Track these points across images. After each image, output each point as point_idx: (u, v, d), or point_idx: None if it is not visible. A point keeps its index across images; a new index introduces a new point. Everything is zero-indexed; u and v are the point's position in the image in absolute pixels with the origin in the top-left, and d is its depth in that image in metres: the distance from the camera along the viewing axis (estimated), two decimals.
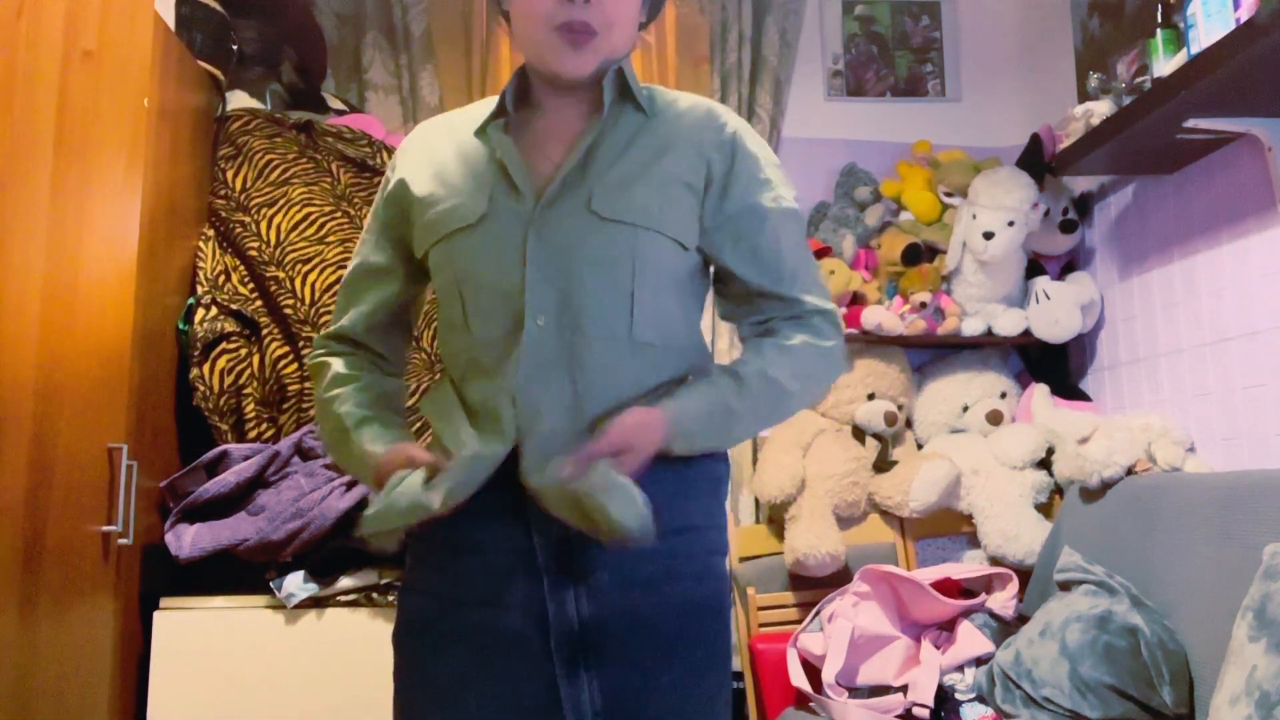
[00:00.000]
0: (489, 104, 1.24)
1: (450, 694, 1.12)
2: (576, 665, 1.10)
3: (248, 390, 2.13)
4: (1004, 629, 2.14)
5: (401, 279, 1.27)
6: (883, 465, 2.70)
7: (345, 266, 2.19)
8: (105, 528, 1.75)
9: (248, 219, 2.25)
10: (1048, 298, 2.71)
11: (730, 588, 1.22)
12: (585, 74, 1.16)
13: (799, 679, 2.19)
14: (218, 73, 2.33)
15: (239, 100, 2.43)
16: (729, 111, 1.26)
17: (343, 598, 1.97)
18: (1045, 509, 2.62)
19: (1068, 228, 2.76)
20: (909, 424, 2.86)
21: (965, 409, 2.77)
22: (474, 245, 1.15)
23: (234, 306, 2.16)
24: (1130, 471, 2.23)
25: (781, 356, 1.20)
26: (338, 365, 1.26)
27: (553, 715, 1.09)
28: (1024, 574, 2.41)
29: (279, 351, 2.16)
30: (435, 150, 1.24)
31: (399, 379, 1.33)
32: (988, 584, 2.27)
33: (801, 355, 1.21)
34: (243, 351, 2.14)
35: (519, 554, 1.12)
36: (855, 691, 2.14)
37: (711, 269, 1.27)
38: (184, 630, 1.93)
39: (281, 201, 2.27)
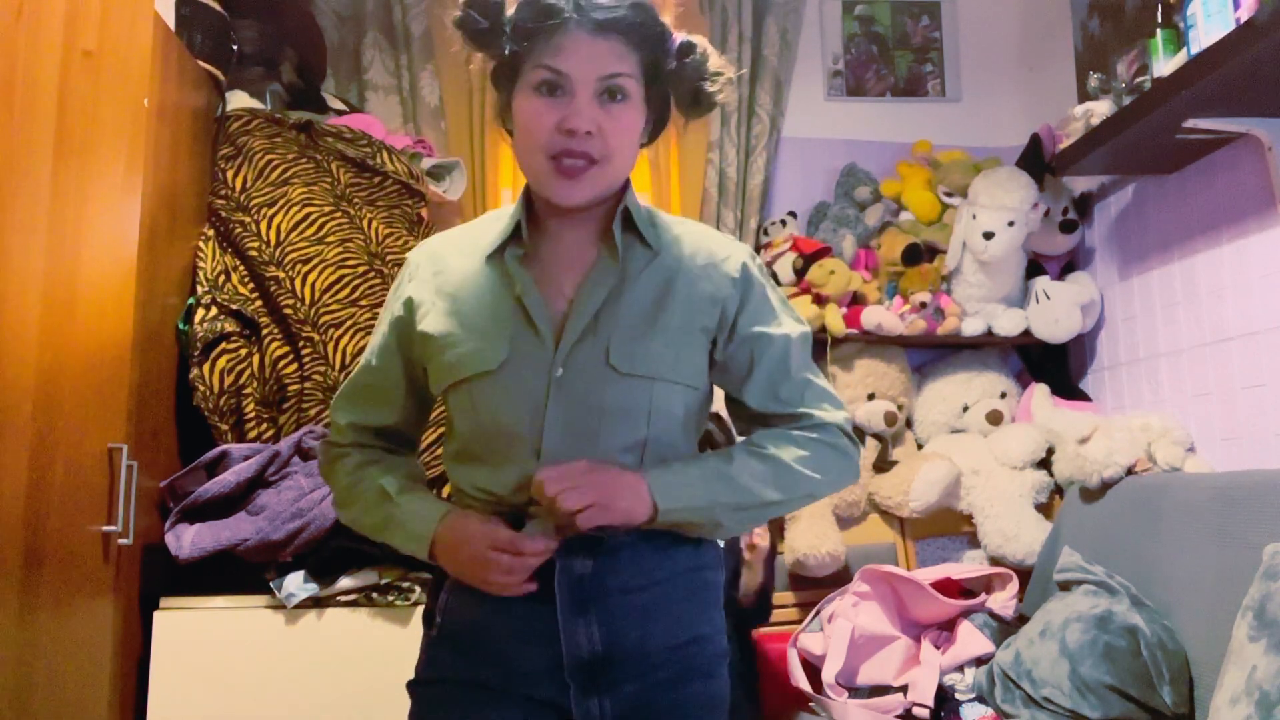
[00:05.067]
0: (497, 222, 1.24)
1: None
2: None
3: (248, 390, 2.12)
4: (1004, 629, 2.14)
5: (405, 395, 1.29)
6: (883, 465, 2.70)
7: (345, 266, 2.25)
8: (105, 528, 1.74)
9: (248, 219, 2.25)
10: (1048, 298, 2.71)
11: (729, 684, 1.27)
12: (579, 203, 1.17)
13: (799, 679, 2.19)
14: (218, 73, 2.33)
15: (239, 100, 2.43)
16: (728, 242, 1.28)
17: (343, 598, 1.96)
18: (1045, 509, 2.62)
19: (1068, 228, 2.76)
20: (909, 424, 2.85)
21: (965, 409, 2.77)
22: (496, 392, 1.16)
23: (234, 306, 2.16)
24: (1130, 471, 2.23)
25: (776, 437, 1.23)
26: (357, 455, 1.29)
27: None
28: (1024, 574, 2.41)
29: (279, 351, 2.15)
30: (447, 276, 1.23)
31: (416, 460, 1.38)
32: (988, 584, 2.27)
33: (801, 440, 1.22)
34: (243, 351, 2.14)
35: (548, 671, 1.16)
36: (855, 691, 2.14)
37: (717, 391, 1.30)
38: (184, 630, 1.93)
39: (281, 201, 2.27)
